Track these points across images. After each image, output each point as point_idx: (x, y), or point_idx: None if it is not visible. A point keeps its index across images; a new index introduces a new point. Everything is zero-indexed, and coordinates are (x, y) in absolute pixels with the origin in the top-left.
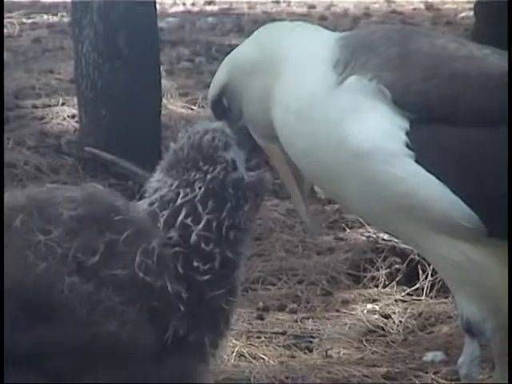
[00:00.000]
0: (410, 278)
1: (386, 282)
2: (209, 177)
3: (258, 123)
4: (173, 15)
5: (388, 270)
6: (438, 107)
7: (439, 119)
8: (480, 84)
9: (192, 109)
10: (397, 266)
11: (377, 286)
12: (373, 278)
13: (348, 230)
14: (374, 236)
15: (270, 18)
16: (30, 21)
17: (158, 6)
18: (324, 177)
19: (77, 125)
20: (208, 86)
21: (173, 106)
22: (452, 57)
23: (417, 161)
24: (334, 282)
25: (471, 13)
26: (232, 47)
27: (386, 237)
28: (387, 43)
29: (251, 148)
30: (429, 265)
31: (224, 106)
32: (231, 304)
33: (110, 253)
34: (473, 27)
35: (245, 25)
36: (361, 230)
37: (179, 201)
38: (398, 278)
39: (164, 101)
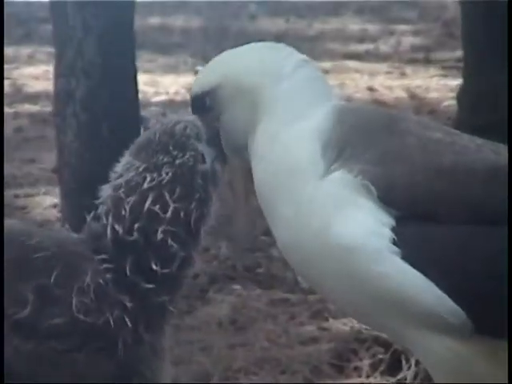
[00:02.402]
0: (394, 368)
1: (370, 372)
2: (178, 162)
3: (232, 140)
4: (155, 104)
5: (371, 360)
6: (424, 204)
7: (425, 216)
8: (467, 181)
9: None
10: (380, 356)
11: (360, 376)
12: (356, 368)
13: (331, 320)
14: (357, 326)
15: None
16: (11, 110)
17: (140, 96)
18: (301, 261)
19: (59, 215)
20: None
21: None
22: (442, 152)
23: (402, 257)
24: (317, 372)
25: (454, 101)
26: None
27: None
28: (385, 132)
29: (220, 149)
30: (412, 355)
31: (205, 104)
32: (177, 296)
33: (42, 300)
34: (456, 116)
35: None
36: (344, 320)
37: (145, 185)
38: (381, 368)
39: None
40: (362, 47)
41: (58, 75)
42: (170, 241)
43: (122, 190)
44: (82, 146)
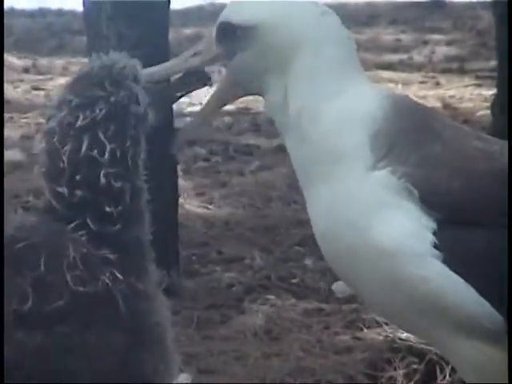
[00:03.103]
0: (428, 378)
1: (404, 382)
2: (112, 99)
3: (239, 78)
4: (189, 115)
5: (405, 369)
6: (465, 208)
7: (466, 220)
8: (507, 186)
9: (208, 208)
10: (414, 366)
11: None
12: (390, 377)
13: (365, 330)
14: (392, 336)
15: None
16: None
17: (174, 106)
18: (335, 252)
19: None
20: (224, 186)
21: (189, 205)
22: (484, 158)
23: (443, 261)
24: (352, 382)
25: (488, 111)
26: (249, 146)
27: (403, 336)
28: (432, 137)
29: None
30: (447, 364)
31: (231, 34)
32: (146, 231)
33: (40, 290)
34: (490, 126)
35: (261, 124)
36: (378, 330)
37: (79, 123)
38: (415, 378)
39: (181, 200)
40: (395, 57)
41: None
42: (112, 181)
43: (57, 136)
44: None
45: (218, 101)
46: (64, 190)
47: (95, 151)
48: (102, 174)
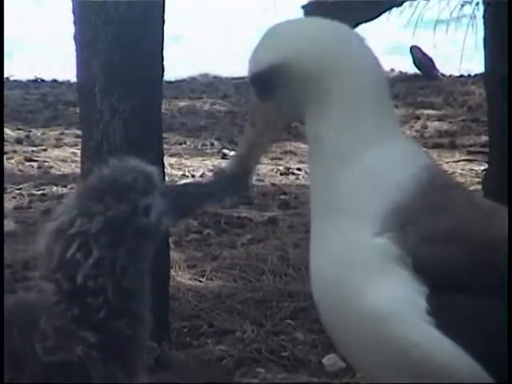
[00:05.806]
0: None
1: None
2: (110, 214)
3: (291, 111)
4: None
5: None
6: (459, 275)
7: (459, 287)
8: (502, 256)
9: (200, 281)
10: None
11: None
12: None
13: None
14: None
15: (278, 190)
16: (39, 192)
17: (167, 179)
18: (327, 304)
19: None
20: (216, 259)
21: (181, 278)
22: (487, 227)
23: (436, 326)
24: None
25: (479, 187)
26: (241, 219)
27: None
28: (446, 213)
29: (176, 203)
30: None
31: (267, 81)
32: (138, 330)
33: (16, 362)
34: None
35: (254, 197)
36: None
37: (73, 230)
38: None
39: (172, 273)
40: None
41: (84, 158)
42: (90, 282)
43: (53, 236)
44: None
45: (264, 141)
46: (59, 276)
47: (81, 254)
48: (79, 274)
